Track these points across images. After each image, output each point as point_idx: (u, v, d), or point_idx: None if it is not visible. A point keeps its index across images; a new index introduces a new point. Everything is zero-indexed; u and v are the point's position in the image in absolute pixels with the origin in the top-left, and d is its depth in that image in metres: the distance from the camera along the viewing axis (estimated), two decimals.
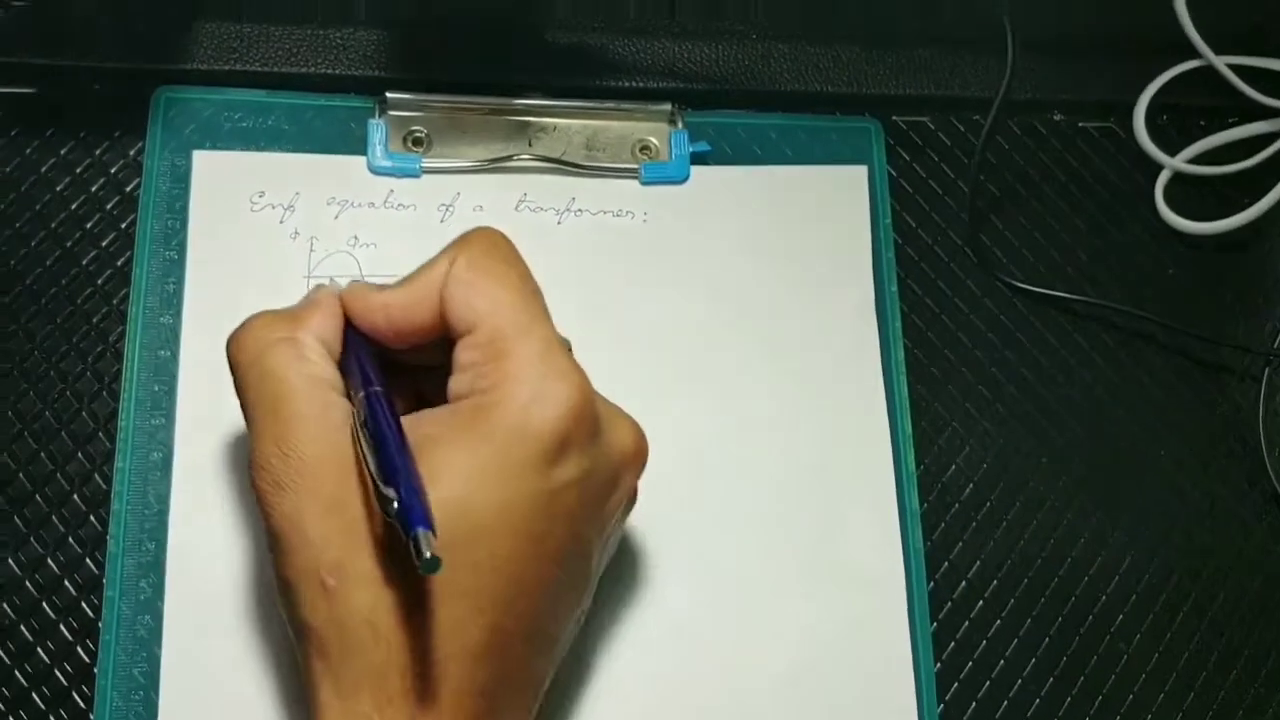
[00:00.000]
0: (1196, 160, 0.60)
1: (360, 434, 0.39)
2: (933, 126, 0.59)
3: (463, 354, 0.41)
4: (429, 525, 0.35)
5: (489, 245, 0.42)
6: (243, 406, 0.42)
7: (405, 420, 0.40)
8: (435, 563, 0.34)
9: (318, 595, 0.38)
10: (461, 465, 0.38)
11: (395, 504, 0.35)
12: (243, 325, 0.43)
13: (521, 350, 0.40)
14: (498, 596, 0.38)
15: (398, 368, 0.43)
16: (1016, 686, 0.51)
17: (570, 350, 0.42)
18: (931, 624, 0.51)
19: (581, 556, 0.41)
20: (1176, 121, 0.61)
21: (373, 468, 0.37)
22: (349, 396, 0.41)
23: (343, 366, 0.42)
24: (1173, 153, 0.60)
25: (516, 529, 0.38)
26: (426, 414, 0.41)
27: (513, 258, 0.42)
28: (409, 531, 0.35)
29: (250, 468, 0.40)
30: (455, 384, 0.41)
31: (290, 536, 0.38)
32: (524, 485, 0.38)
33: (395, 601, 0.37)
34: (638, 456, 0.43)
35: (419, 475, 0.37)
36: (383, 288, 0.43)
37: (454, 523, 0.36)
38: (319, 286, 0.45)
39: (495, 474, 0.38)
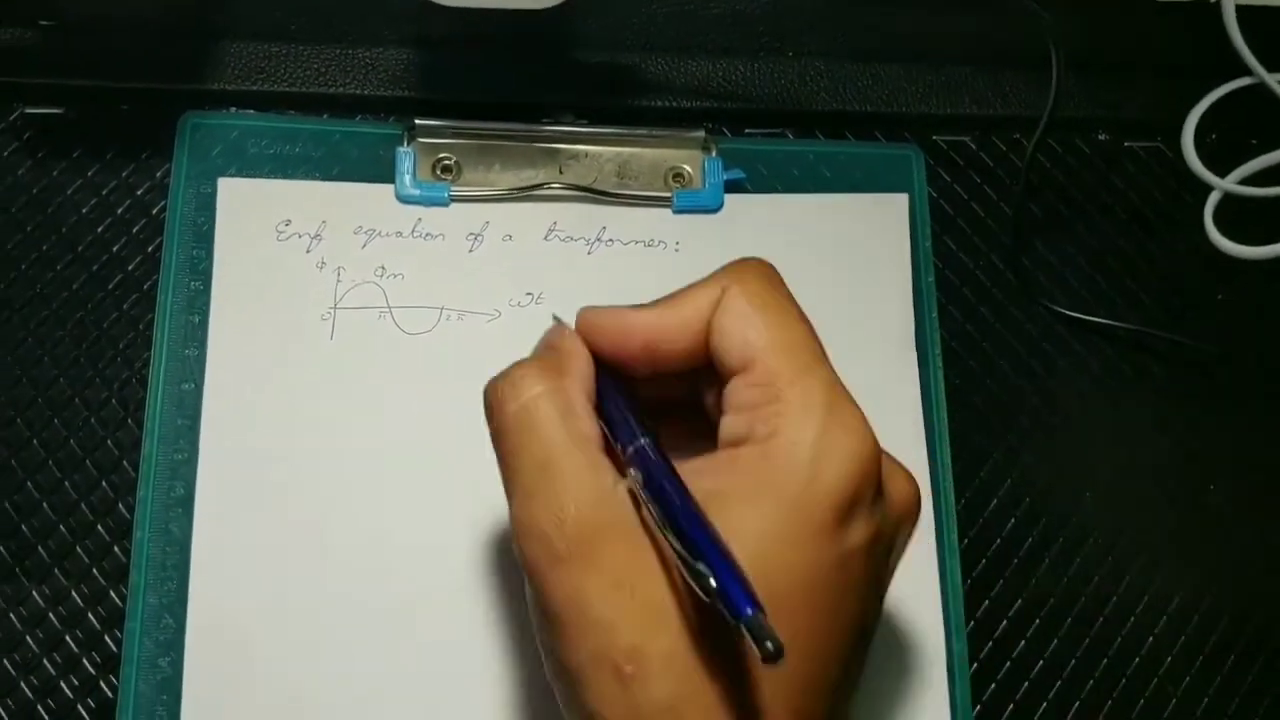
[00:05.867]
0: (1247, 181, 0.58)
1: (643, 497, 0.35)
2: (974, 147, 0.58)
3: (737, 394, 0.37)
4: (759, 606, 0.31)
5: (765, 276, 0.39)
6: (502, 464, 0.37)
7: (681, 470, 0.36)
8: (780, 651, 0.30)
9: (611, 684, 0.33)
10: (753, 527, 0.34)
11: (711, 581, 0.32)
12: (503, 375, 0.38)
13: (804, 395, 0.36)
14: (800, 677, 0.34)
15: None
16: None
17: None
18: (971, 665, 0.49)
19: (865, 629, 0.37)
20: (1226, 141, 0.59)
21: (674, 539, 0.33)
22: (609, 451, 0.37)
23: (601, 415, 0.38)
24: (1222, 173, 0.58)
25: (811, 600, 0.34)
26: (702, 464, 0.36)
27: (788, 293, 0.39)
28: (738, 615, 0.31)
29: (516, 537, 0.36)
30: (730, 426, 0.37)
31: (573, 618, 0.34)
32: (817, 551, 0.34)
33: (699, 689, 0.33)
34: (915, 509, 0.39)
35: (727, 545, 0.33)
36: (635, 309, 0.39)
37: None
38: (557, 327, 0.40)
39: (788, 537, 0.34)
